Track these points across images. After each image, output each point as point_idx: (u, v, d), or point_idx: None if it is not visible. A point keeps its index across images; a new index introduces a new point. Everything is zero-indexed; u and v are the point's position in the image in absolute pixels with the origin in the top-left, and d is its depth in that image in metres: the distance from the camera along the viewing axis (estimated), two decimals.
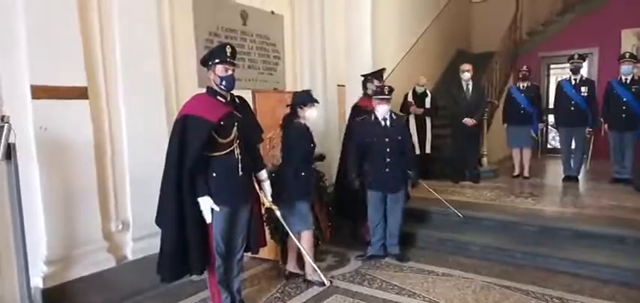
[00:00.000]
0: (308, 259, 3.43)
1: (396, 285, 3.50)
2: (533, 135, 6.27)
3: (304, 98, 3.49)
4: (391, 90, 4.00)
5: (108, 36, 3.29)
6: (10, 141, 2.54)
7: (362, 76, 4.52)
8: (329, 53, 5.34)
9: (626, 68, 5.53)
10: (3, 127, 2.55)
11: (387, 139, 3.91)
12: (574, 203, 4.82)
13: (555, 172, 6.53)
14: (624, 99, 5.49)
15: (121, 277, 3.31)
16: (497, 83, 7.78)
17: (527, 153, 6.29)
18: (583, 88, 5.74)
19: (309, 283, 3.51)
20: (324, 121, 5.24)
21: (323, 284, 3.37)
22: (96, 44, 3.22)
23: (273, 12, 4.83)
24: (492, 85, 7.49)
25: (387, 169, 3.90)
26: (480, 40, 9.85)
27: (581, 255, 3.67)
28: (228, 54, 2.78)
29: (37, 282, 2.91)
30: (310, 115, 3.49)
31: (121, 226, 3.41)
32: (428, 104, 6.38)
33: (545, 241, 3.94)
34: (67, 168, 3.06)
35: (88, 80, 3.15)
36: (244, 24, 4.49)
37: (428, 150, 6.39)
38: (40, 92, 2.87)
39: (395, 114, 4.18)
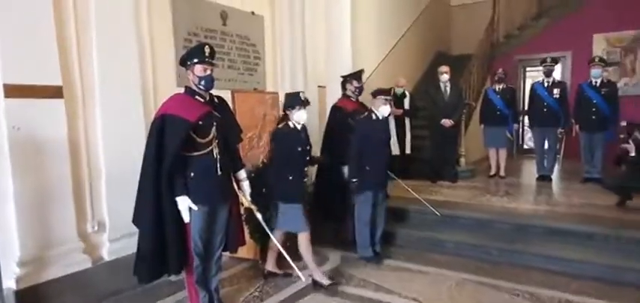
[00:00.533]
0: (309, 259, 3.52)
1: (373, 282, 3.55)
2: (509, 136, 6.44)
3: (292, 101, 3.51)
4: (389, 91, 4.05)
5: (84, 35, 3.25)
6: None
7: (341, 77, 4.57)
8: (309, 54, 5.38)
9: (595, 72, 5.72)
10: None
11: (384, 138, 4.04)
12: (547, 201, 4.98)
13: (530, 171, 6.71)
14: (594, 101, 5.68)
15: (98, 278, 3.27)
16: (475, 85, 7.94)
17: (503, 153, 6.45)
18: (555, 90, 5.92)
19: (317, 286, 3.50)
20: (307, 120, 5.26)
21: (330, 285, 3.45)
22: (72, 43, 3.19)
23: (253, 12, 4.84)
24: (470, 87, 7.64)
25: (382, 169, 4.00)
26: (460, 43, 10.06)
27: (553, 251, 3.80)
28: (207, 54, 2.78)
29: (10, 284, 2.86)
30: (300, 117, 3.49)
31: (96, 227, 3.37)
32: (407, 105, 6.47)
33: (519, 238, 4.06)
34: (41, 168, 3.01)
35: (63, 79, 3.11)
36: (224, 24, 4.49)
37: (407, 150, 6.49)
38: (13, 91, 2.83)
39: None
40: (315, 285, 3.51)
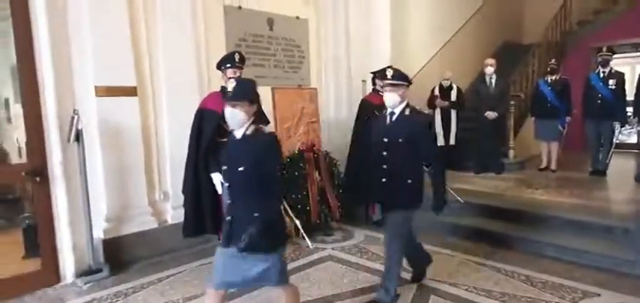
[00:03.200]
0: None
1: (381, 256, 3.99)
2: (560, 128, 6.28)
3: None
4: (401, 75, 3.03)
5: (153, 45, 4.16)
6: (78, 128, 3.48)
7: (371, 73, 5.00)
8: (352, 51, 5.88)
9: None
10: (74, 117, 3.50)
11: (385, 140, 3.01)
12: (580, 195, 4.91)
13: (585, 165, 6.45)
14: None
15: (162, 236, 4.20)
16: (536, 76, 7.72)
17: (554, 146, 6.33)
18: (611, 81, 5.69)
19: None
20: (348, 112, 5.80)
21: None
22: (144, 52, 4.10)
23: (298, 17, 5.47)
24: (527, 78, 7.48)
25: (384, 179, 3.00)
26: (532, 31, 9.63)
27: (565, 241, 3.89)
28: (237, 60, 3.48)
29: (99, 234, 3.87)
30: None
31: (162, 196, 4.30)
32: (453, 97, 6.64)
33: (536, 228, 4.19)
34: (122, 149, 3.97)
35: (138, 81, 4.04)
36: (271, 29, 5.19)
37: (452, 141, 6.67)
38: (101, 91, 3.80)
39: (412, 109, 3.08)
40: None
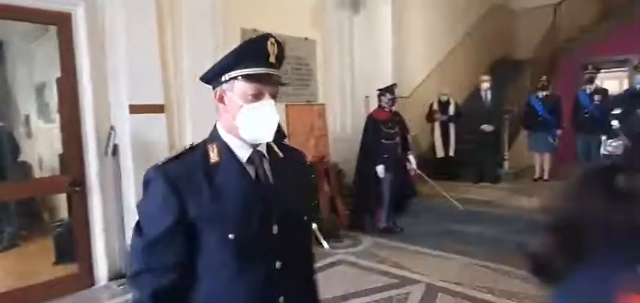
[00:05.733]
0: None
1: (392, 260, 4.36)
2: (552, 141, 6.68)
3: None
4: None
5: (179, 67, 4.51)
6: (115, 142, 3.82)
7: (377, 90, 5.40)
8: (356, 68, 6.29)
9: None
10: (111, 133, 3.84)
11: None
12: None
13: None
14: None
15: None
16: (528, 91, 8.14)
17: (547, 158, 6.74)
18: (596, 97, 6.12)
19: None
20: (353, 126, 6.19)
21: None
22: (170, 73, 4.45)
23: (306, 38, 5.87)
24: (520, 93, 7.91)
25: None
26: (524, 47, 10.10)
27: None
28: None
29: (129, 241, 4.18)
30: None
31: None
32: (451, 111, 7.06)
33: (531, 233, 4.54)
34: (150, 163, 4.26)
35: (165, 99, 4.39)
36: None
37: (451, 153, 7.08)
38: (134, 109, 4.14)
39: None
40: None
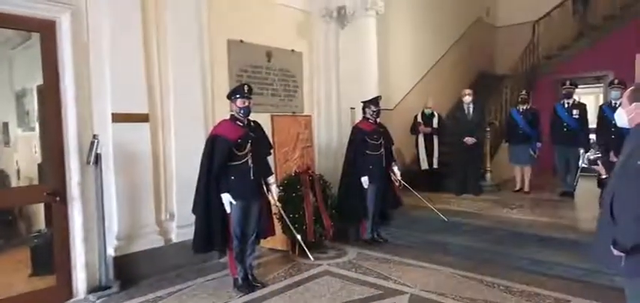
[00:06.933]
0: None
1: (377, 271, 4.36)
2: (532, 153, 6.83)
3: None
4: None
5: (164, 76, 4.48)
6: (98, 151, 3.76)
7: (362, 102, 5.44)
8: (342, 81, 6.33)
9: (614, 93, 6.02)
10: (94, 141, 3.77)
11: None
12: (549, 214, 5.41)
13: (556, 187, 6.99)
14: (613, 122, 5.98)
15: (168, 254, 4.43)
16: (508, 105, 8.33)
17: (527, 170, 6.88)
18: (575, 111, 6.30)
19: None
20: (338, 138, 6.21)
21: None
22: (156, 83, 4.42)
23: (293, 50, 5.90)
24: (501, 107, 8.09)
25: None
26: (504, 62, 10.36)
27: (539, 255, 4.34)
28: (246, 91, 3.84)
29: (110, 252, 4.09)
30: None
31: (168, 216, 4.56)
32: (435, 124, 7.17)
33: (513, 243, 4.63)
34: (133, 172, 4.24)
35: (149, 109, 4.34)
36: (268, 61, 5.59)
37: (435, 165, 7.17)
38: (117, 117, 4.08)
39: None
40: None
